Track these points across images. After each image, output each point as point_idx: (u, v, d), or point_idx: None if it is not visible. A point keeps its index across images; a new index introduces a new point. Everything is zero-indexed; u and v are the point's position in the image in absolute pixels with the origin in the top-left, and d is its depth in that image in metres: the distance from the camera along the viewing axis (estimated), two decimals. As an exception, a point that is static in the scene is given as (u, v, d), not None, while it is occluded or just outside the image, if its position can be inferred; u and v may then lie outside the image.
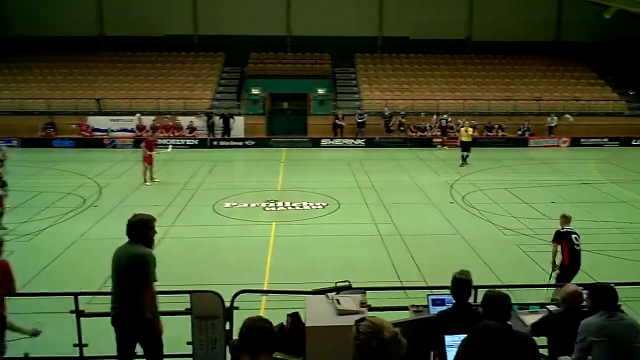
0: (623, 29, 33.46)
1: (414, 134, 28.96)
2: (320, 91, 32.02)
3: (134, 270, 5.86)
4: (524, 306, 6.44)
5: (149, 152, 19.62)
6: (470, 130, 23.69)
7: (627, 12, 30.00)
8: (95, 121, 28.34)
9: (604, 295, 5.10)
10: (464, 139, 23.48)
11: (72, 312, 6.72)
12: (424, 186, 19.60)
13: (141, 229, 5.97)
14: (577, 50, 35.09)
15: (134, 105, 29.37)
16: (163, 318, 7.27)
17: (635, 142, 29.33)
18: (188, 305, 6.34)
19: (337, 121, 28.89)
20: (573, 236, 9.90)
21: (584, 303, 5.54)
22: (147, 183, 19.51)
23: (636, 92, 32.75)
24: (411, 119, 29.44)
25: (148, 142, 19.90)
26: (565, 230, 9.99)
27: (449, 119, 28.91)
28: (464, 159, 23.40)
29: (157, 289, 5.96)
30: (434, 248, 13.34)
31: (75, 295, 6.76)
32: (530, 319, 5.95)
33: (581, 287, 5.81)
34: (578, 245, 9.86)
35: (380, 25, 35.08)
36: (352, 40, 34.06)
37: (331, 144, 28.44)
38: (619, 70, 34.44)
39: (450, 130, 28.78)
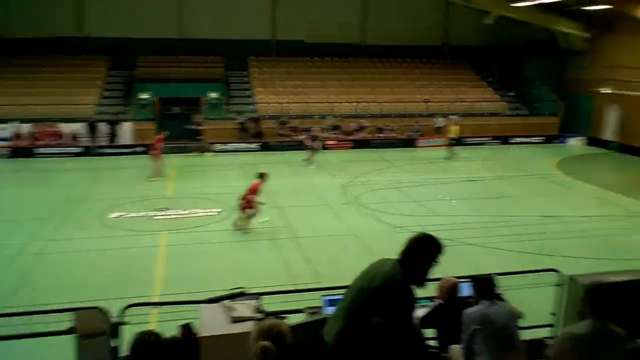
0: (504, 34, 35.65)
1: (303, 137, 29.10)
2: (213, 95, 31.54)
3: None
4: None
5: None
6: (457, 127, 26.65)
7: (506, 18, 32.10)
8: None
9: (483, 286, 5.42)
10: (453, 135, 26.27)
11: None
12: (319, 188, 19.82)
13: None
14: (463, 53, 36.94)
15: (9, 112, 27.37)
16: (44, 339, 6.75)
17: (513, 140, 31.36)
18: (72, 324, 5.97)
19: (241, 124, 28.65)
20: None
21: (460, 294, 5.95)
22: None
23: (516, 93, 35.05)
24: (304, 122, 29.63)
25: None
26: None
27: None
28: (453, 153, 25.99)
29: (39, 308, 5.53)
30: (328, 249, 13.50)
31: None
32: (421, 312, 6.16)
33: (467, 279, 6.15)
34: None
35: (274, 28, 35.13)
36: (246, 44, 33.86)
37: (224, 148, 28.04)
38: (500, 73, 36.70)
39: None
